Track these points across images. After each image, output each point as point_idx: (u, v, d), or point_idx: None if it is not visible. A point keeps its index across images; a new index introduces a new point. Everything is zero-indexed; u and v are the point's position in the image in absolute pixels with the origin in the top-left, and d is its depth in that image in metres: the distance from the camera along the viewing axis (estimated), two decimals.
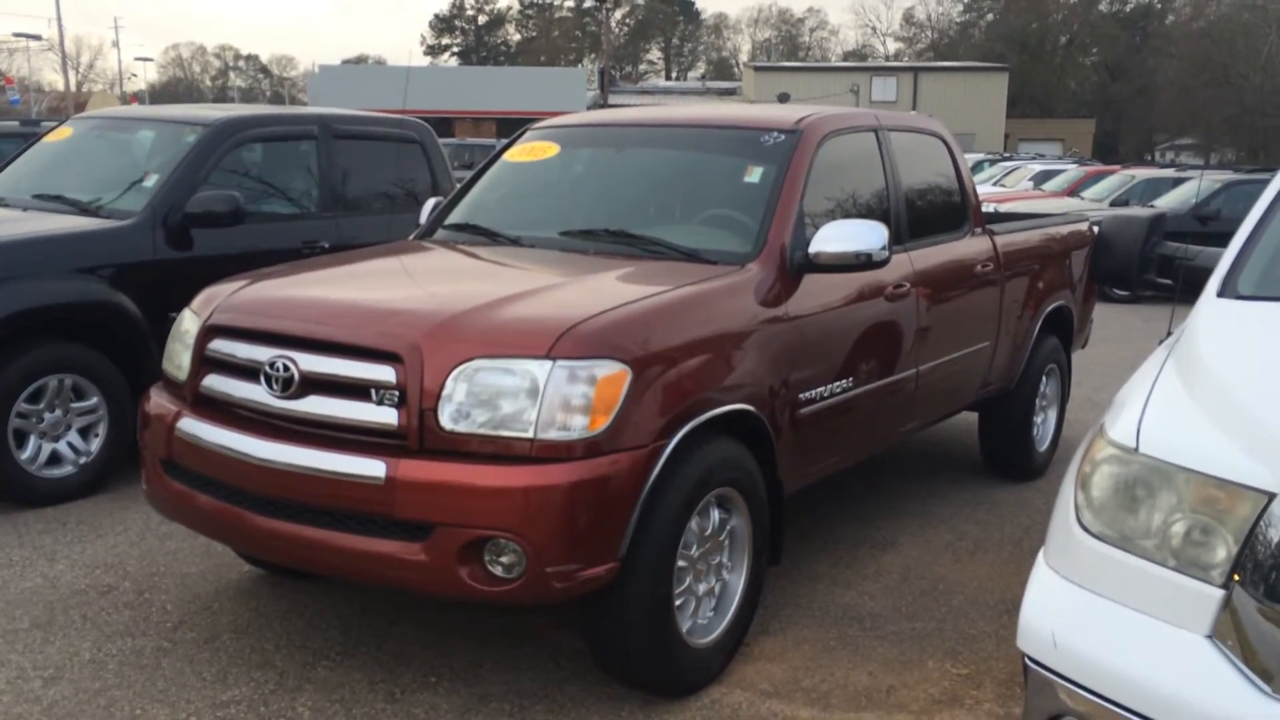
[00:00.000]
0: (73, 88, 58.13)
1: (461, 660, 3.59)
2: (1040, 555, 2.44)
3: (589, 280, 3.57)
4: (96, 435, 5.17)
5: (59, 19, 55.66)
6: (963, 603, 4.17)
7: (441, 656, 3.61)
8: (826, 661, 3.66)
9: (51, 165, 6.26)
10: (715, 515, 3.40)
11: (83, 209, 5.62)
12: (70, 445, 5.09)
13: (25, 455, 4.93)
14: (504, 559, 2.90)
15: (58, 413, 5.04)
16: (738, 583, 3.54)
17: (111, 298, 5.17)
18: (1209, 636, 2.07)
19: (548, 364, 2.93)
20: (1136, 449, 2.24)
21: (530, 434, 2.90)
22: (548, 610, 3.83)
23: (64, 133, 6.50)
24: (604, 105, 41.46)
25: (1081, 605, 2.24)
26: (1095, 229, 6.11)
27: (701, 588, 3.40)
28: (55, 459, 5.05)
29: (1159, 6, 64.66)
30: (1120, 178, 18.53)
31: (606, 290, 3.40)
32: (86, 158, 6.31)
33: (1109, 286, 7.97)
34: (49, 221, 5.39)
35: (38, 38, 52.70)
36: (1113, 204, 15.70)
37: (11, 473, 4.87)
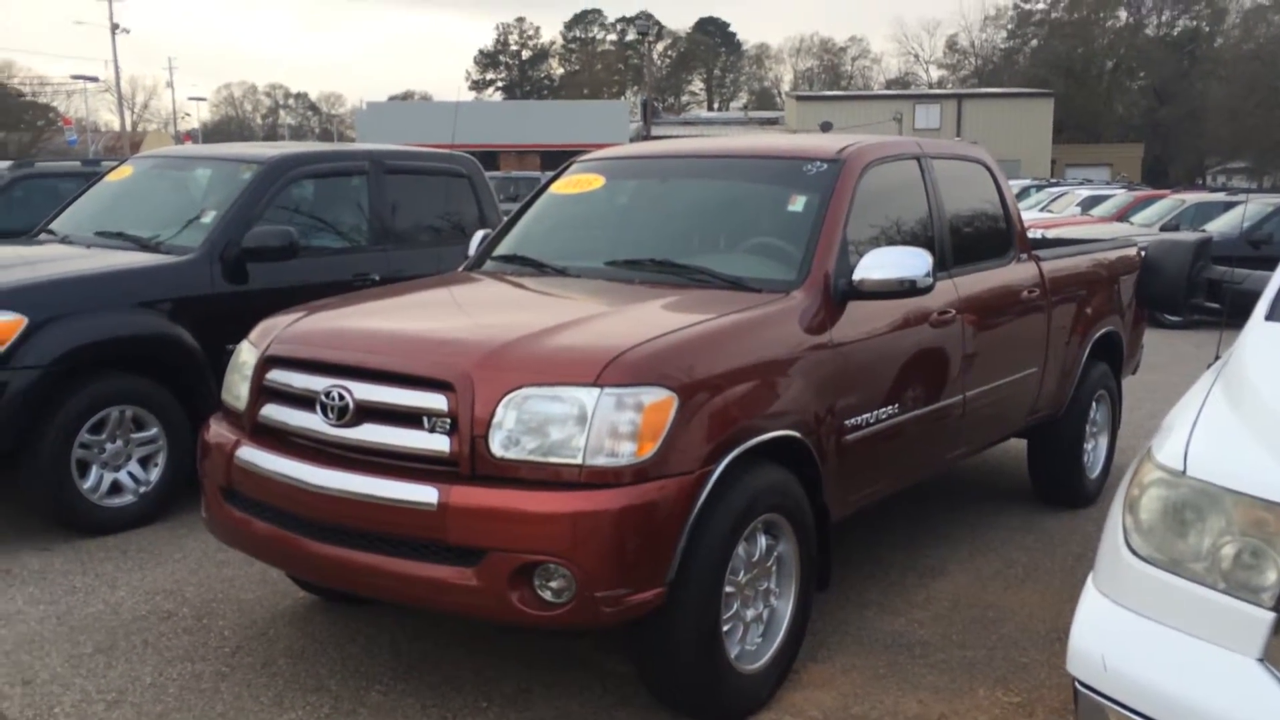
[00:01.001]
0: (128, 128, 59.67)
1: (512, 685, 3.63)
2: (1089, 579, 2.44)
3: (635, 309, 3.62)
4: (156, 465, 5.29)
5: (115, 61, 57.22)
6: (1014, 630, 4.14)
7: (492, 681, 3.65)
8: (876, 689, 3.65)
9: (113, 203, 6.45)
10: (762, 541, 3.42)
11: (143, 245, 5.78)
12: (131, 475, 5.22)
13: (88, 485, 5.06)
14: (554, 584, 2.94)
15: (119, 443, 5.17)
16: (785, 609, 3.55)
17: (171, 331, 5.32)
18: (1260, 660, 2.06)
19: (595, 391, 2.98)
20: (1184, 472, 2.24)
21: (579, 460, 2.95)
22: (597, 635, 3.86)
23: (124, 171, 6.70)
24: (647, 137, 41.75)
25: (1131, 629, 2.24)
26: (1143, 254, 6.07)
27: (749, 613, 3.42)
28: (116, 488, 5.17)
29: (1207, 29, 63.95)
30: (1170, 202, 18.30)
31: (652, 319, 3.45)
32: (146, 195, 6.50)
33: (1155, 311, 7.88)
34: (111, 258, 5.56)
35: (95, 79, 54.32)
36: (1162, 229, 15.52)
37: (75, 502, 5.01)
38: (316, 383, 3.33)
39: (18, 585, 4.50)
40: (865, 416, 3.87)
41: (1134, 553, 2.28)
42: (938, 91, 64.48)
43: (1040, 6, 67.60)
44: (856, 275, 3.80)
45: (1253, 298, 3.10)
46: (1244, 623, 2.08)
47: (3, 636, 3.99)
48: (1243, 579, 2.11)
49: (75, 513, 5.03)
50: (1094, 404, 5.73)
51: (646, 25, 53.37)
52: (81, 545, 4.97)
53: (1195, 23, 65.12)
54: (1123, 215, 19.42)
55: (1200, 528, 2.19)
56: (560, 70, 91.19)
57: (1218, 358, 2.96)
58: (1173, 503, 2.25)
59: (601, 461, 2.95)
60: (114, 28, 52.81)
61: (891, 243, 4.20)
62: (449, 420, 3.06)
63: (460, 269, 4.70)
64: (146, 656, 3.84)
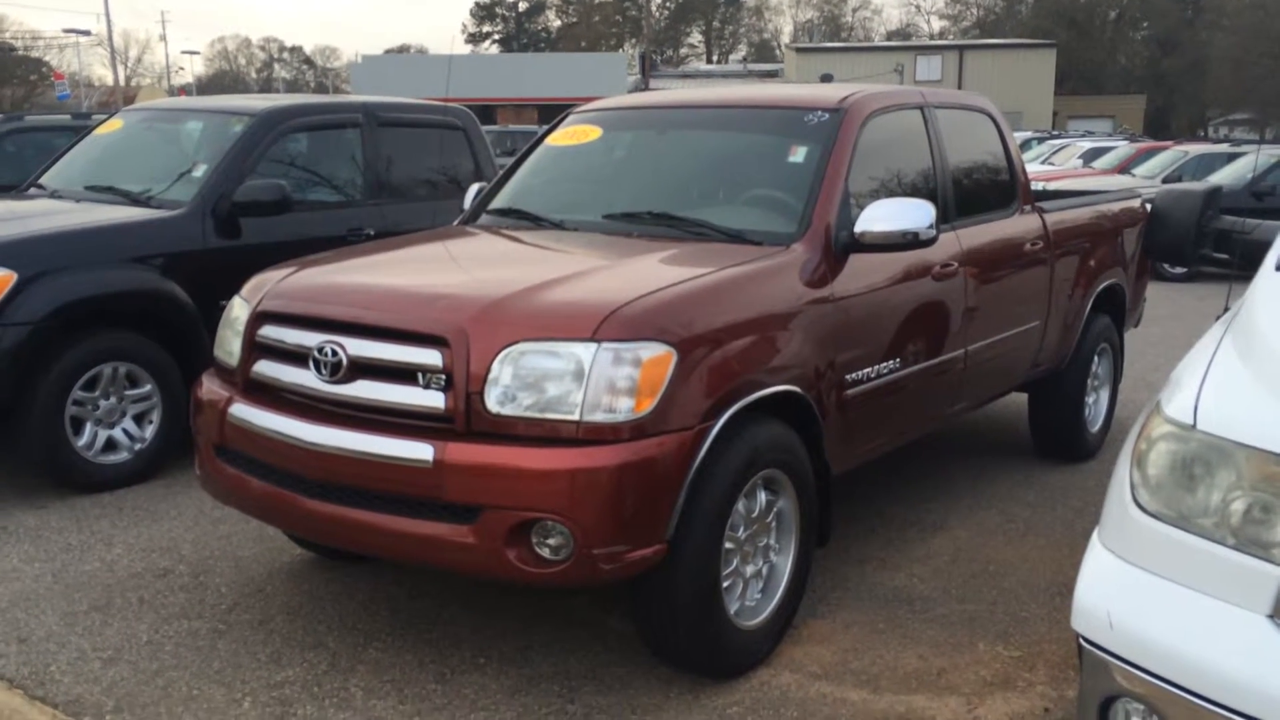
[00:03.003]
0: (121, 82, 59.09)
1: (510, 642, 3.61)
2: (1095, 534, 2.40)
3: (633, 263, 3.56)
4: (150, 422, 5.26)
5: (107, 14, 56.57)
6: (1014, 585, 4.13)
7: (490, 638, 3.64)
8: (876, 644, 3.64)
9: (103, 157, 6.36)
10: (762, 497, 3.39)
11: (134, 200, 5.71)
12: (125, 432, 5.19)
13: (82, 442, 5.02)
14: (551, 541, 2.90)
15: (112, 400, 5.13)
16: (785, 564, 3.52)
17: (163, 286, 5.26)
18: (1270, 616, 2.03)
19: (593, 346, 2.93)
20: (1194, 426, 2.19)
21: (576, 416, 2.90)
22: (596, 593, 3.84)
23: (114, 125, 6.60)
24: (645, 89, 41.33)
25: (1138, 585, 2.20)
26: (1147, 206, 6.00)
27: (749, 570, 3.40)
28: (111, 445, 5.14)
29: None
30: (1173, 154, 18.15)
31: (650, 272, 3.39)
32: (137, 149, 6.40)
33: (1163, 262, 7.83)
34: (101, 212, 5.49)
35: (87, 33, 53.73)
36: (1165, 181, 15.39)
37: (69, 459, 4.97)
38: (309, 338, 3.27)
39: (13, 543, 4.47)
40: (866, 371, 3.83)
41: (1141, 508, 2.24)
42: (939, 43, 63.73)
43: None
44: (858, 227, 3.74)
45: (1262, 248, 3.03)
46: (1254, 579, 2.04)
47: None
48: (1253, 534, 2.07)
49: (70, 470, 5.00)
50: (1096, 357, 5.69)
51: None
52: (77, 503, 4.94)
53: None
54: (1125, 167, 19.27)
55: (1209, 482, 2.15)
56: (557, 23, 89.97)
57: (1227, 309, 2.91)
58: (1182, 457, 2.21)
59: (599, 417, 2.90)
60: None
61: (894, 194, 4.14)
62: (444, 376, 3.01)
63: (456, 223, 4.63)
64: (143, 614, 3.82)
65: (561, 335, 2.97)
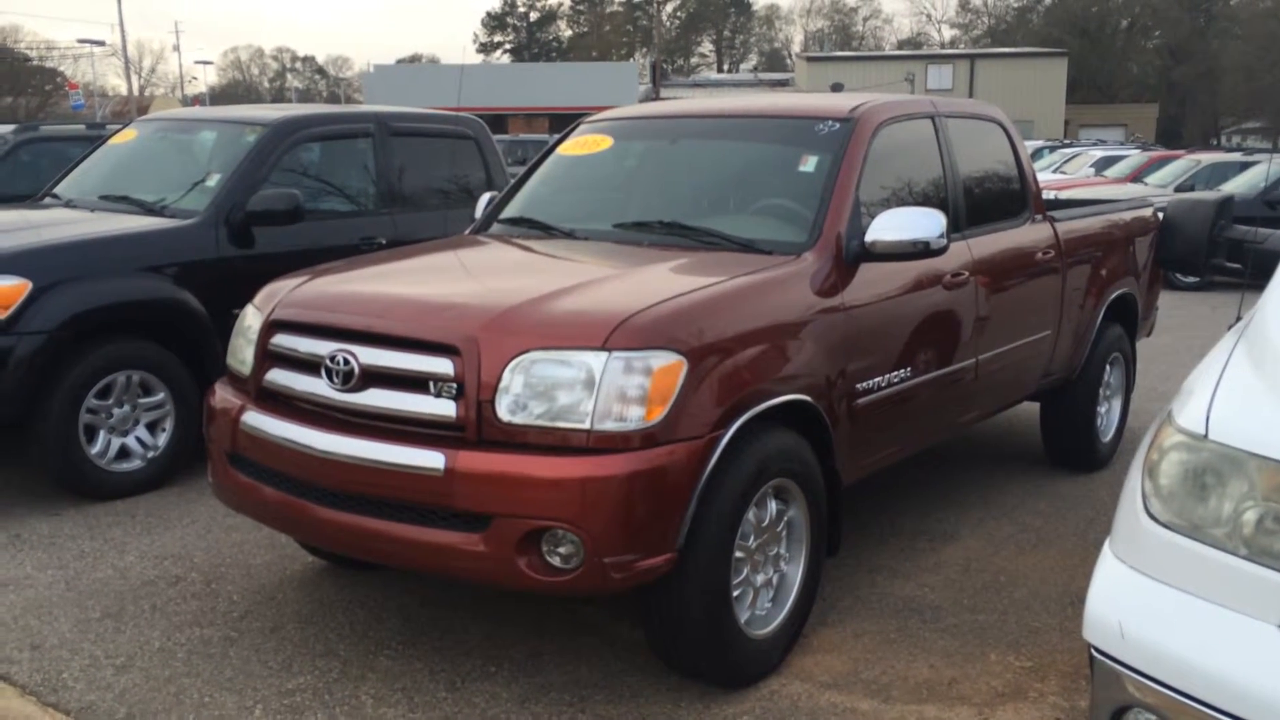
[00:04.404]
0: (135, 92, 59.47)
1: (521, 650, 3.62)
2: (1106, 545, 2.40)
3: (644, 272, 3.57)
4: (164, 430, 5.28)
5: (121, 25, 57.02)
6: (1025, 595, 4.11)
7: (501, 647, 3.64)
8: (887, 654, 3.63)
9: (117, 167, 6.40)
10: (773, 506, 3.39)
11: (148, 209, 5.74)
12: (139, 440, 5.21)
13: (95, 450, 5.05)
14: (562, 549, 2.91)
15: (126, 408, 5.15)
16: (796, 574, 3.52)
17: (177, 295, 5.29)
18: None
19: (604, 355, 2.93)
20: (1206, 435, 2.19)
21: (587, 425, 2.91)
22: (606, 601, 3.84)
23: (128, 135, 6.64)
24: (656, 99, 41.38)
25: (1150, 595, 2.20)
26: (1159, 215, 5.99)
27: (759, 579, 3.39)
28: (124, 453, 5.17)
29: None
30: (1185, 163, 18.10)
31: (661, 282, 3.40)
32: (151, 159, 6.45)
33: (1175, 272, 7.81)
34: (116, 222, 5.52)
35: (101, 43, 54.13)
36: (1177, 190, 15.34)
37: (82, 467, 5.00)
38: (321, 347, 3.29)
39: (26, 550, 4.50)
40: (877, 380, 3.83)
41: (1153, 518, 2.24)
42: (950, 52, 63.75)
43: None
44: (869, 237, 3.74)
45: (1275, 257, 3.03)
46: (1266, 589, 2.04)
47: (11, 601, 4.00)
48: (1265, 545, 2.06)
49: (83, 478, 5.02)
50: (1108, 367, 5.67)
51: None
52: (90, 510, 4.97)
53: None
54: (1137, 176, 19.22)
55: (1221, 492, 2.14)
56: (569, 32, 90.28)
57: (1239, 319, 2.90)
58: (1193, 467, 2.20)
59: (610, 426, 2.91)
60: None
61: (904, 203, 4.14)
62: (455, 385, 3.02)
63: (467, 232, 4.65)
64: (155, 621, 3.83)
65: (572, 344, 2.98)
